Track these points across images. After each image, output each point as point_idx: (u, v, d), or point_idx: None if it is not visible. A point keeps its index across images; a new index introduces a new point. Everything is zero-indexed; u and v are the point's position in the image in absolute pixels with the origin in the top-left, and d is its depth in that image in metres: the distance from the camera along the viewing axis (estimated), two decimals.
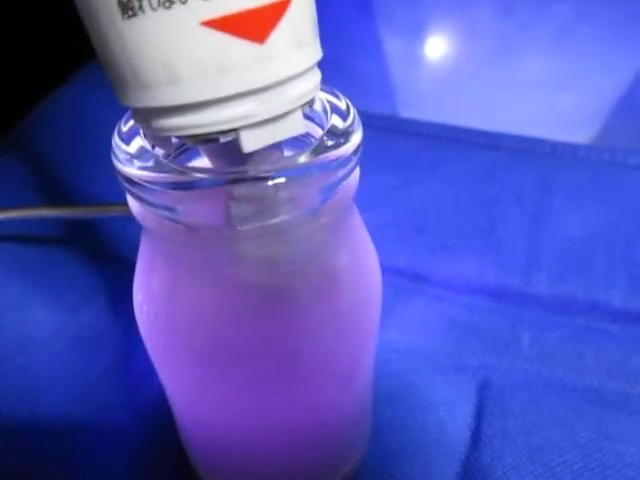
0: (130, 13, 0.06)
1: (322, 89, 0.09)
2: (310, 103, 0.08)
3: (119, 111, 0.09)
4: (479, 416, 0.16)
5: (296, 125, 0.08)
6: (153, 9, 0.06)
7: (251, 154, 0.08)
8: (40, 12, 0.29)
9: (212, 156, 0.09)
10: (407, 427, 0.16)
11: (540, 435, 0.16)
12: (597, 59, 0.28)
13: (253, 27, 0.07)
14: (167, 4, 0.06)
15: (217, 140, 0.07)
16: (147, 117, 0.07)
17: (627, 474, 0.15)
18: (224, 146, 0.08)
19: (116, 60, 0.07)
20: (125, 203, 0.09)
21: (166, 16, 0.06)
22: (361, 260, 0.11)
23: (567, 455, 0.15)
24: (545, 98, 0.28)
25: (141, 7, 0.06)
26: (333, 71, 0.08)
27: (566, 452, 0.15)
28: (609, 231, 0.22)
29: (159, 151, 0.09)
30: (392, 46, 0.30)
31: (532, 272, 0.20)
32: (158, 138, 0.08)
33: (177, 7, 0.06)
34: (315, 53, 0.08)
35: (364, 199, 0.12)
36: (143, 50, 0.06)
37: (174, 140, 0.09)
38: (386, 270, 0.12)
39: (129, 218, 0.09)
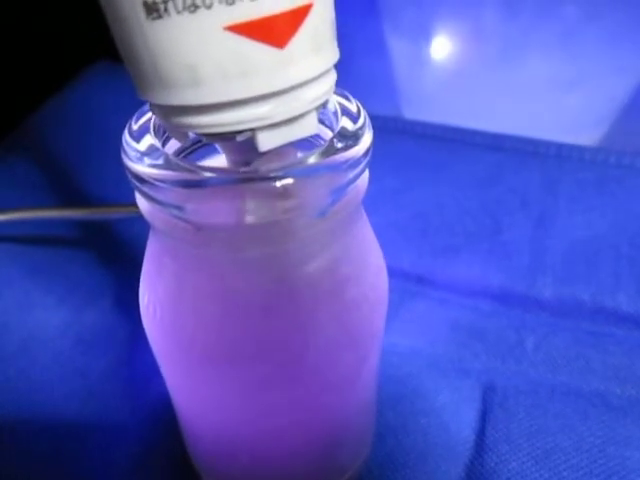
0: (155, 15, 0.06)
1: (333, 91, 0.09)
2: (325, 104, 0.08)
3: (127, 110, 0.09)
4: (483, 420, 0.16)
5: (310, 126, 0.08)
6: (178, 12, 0.06)
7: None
8: (49, 11, 0.29)
9: (227, 151, 0.09)
10: (411, 431, 0.16)
11: (545, 440, 0.16)
12: (603, 61, 0.28)
13: (274, 32, 0.07)
14: (192, 8, 0.06)
15: (234, 138, 0.08)
16: (166, 113, 0.08)
17: (633, 479, 0.15)
18: (240, 143, 0.08)
19: (139, 58, 0.07)
20: (130, 204, 0.09)
21: (190, 20, 0.06)
22: (368, 261, 0.11)
23: (572, 460, 0.15)
24: (551, 100, 0.28)
25: (166, 10, 0.06)
26: (337, 71, 0.08)
27: (571, 457, 0.15)
28: (615, 234, 0.22)
29: (169, 149, 0.09)
30: (397, 47, 0.30)
31: (537, 275, 0.20)
32: (175, 131, 0.08)
33: (202, 11, 0.06)
34: (332, 56, 0.08)
35: (368, 201, 0.11)
36: (167, 51, 0.07)
37: (190, 135, 0.09)
38: (390, 272, 0.12)
39: (134, 219, 0.09)
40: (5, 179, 0.25)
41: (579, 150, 0.25)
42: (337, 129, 0.09)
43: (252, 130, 0.07)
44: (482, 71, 0.29)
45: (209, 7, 0.06)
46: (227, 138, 0.08)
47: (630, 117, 0.28)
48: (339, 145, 0.08)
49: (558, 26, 0.29)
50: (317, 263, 0.10)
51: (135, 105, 0.09)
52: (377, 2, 0.30)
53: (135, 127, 0.09)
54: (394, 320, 0.19)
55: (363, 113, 0.09)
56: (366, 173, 0.09)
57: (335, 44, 0.08)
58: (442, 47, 0.30)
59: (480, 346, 0.18)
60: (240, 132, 0.07)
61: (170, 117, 0.08)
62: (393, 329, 0.19)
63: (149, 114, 0.09)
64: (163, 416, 0.16)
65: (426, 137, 0.26)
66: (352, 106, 0.09)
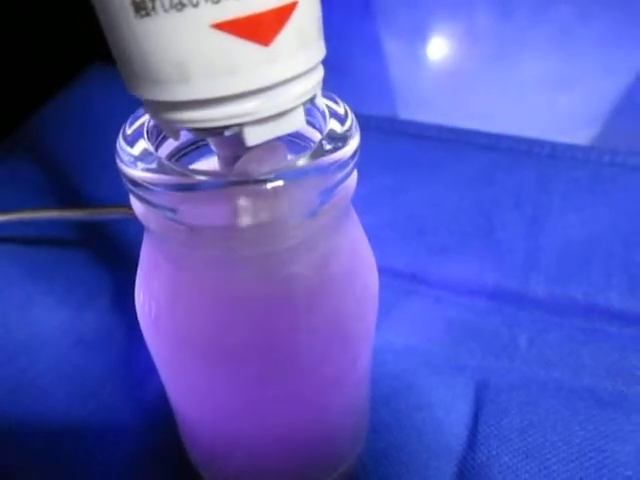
0: (143, 13, 0.06)
1: (321, 94, 0.10)
2: (312, 99, 0.08)
3: (126, 112, 0.09)
4: (476, 416, 0.17)
5: (297, 121, 0.08)
6: (165, 10, 0.06)
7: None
8: (46, 13, 0.30)
9: (217, 145, 0.09)
10: (404, 427, 0.16)
11: (536, 434, 0.16)
12: (597, 60, 0.28)
13: (260, 30, 0.07)
14: (179, 6, 0.06)
15: (222, 133, 0.08)
16: (157, 108, 0.08)
17: (622, 473, 0.15)
18: (229, 137, 0.08)
19: (129, 56, 0.07)
20: (129, 205, 0.09)
21: (178, 18, 0.06)
22: (358, 260, 0.11)
23: (563, 454, 0.16)
24: (545, 99, 0.28)
25: (154, 8, 0.06)
26: (333, 72, 0.09)
27: (562, 451, 0.16)
28: (608, 233, 0.22)
29: (162, 152, 0.09)
30: (392, 47, 0.30)
31: (531, 273, 0.21)
32: (166, 127, 0.08)
33: (188, 9, 0.06)
34: (319, 52, 0.08)
35: (363, 200, 0.12)
36: (155, 48, 0.07)
37: (182, 132, 0.09)
38: (385, 271, 0.12)
39: (132, 219, 0.10)
40: (5, 180, 0.25)
41: (573, 149, 0.25)
42: (325, 131, 0.09)
43: (240, 125, 0.08)
44: (477, 71, 0.29)
45: (195, 5, 0.06)
46: (216, 133, 0.08)
47: (623, 116, 0.28)
48: (328, 147, 0.09)
49: (552, 26, 0.29)
50: (308, 263, 0.10)
51: (134, 107, 0.09)
52: (372, 3, 0.30)
53: (129, 132, 0.09)
54: (389, 318, 0.19)
55: (350, 115, 0.09)
56: (355, 174, 0.10)
57: (322, 41, 0.08)
58: (437, 48, 0.30)
59: (474, 343, 0.19)
60: (228, 127, 0.08)
61: (160, 112, 0.08)
62: (388, 327, 0.19)
63: (142, 119, 0.09)
64: (162, 415, 0.16)
65: (421, 137, 0.26)
66: (340, 108, 0.09)
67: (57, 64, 0.30)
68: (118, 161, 0.09)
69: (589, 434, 0.16)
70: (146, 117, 0.09)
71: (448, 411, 0.17)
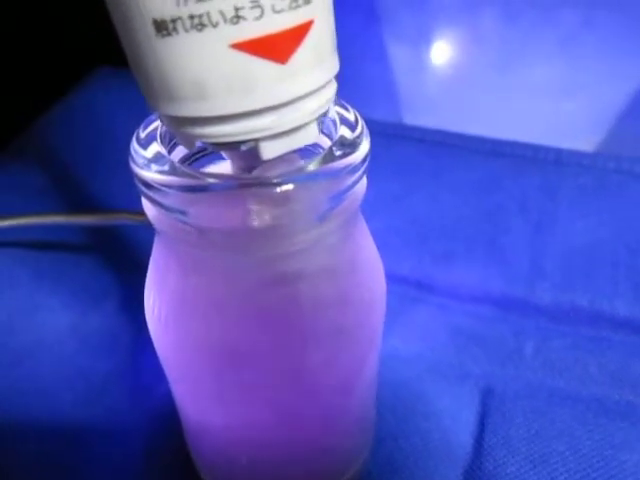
0: (164, 33, 0.07)
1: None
2: (326, 113, 0.08)
3: (131, 115, 0.10)
4: (482, 424, 0.16)
5: (311, 135, 0.08)
6: (186, 30, 0.07)
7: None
8: (48, 16, 0.30)
9: (233, 158, 0.09)
10: (410, 434, 0.16)
11: (543, 444, 0.16)
12: (603, 66, 0.28)
13: (277, 49, 0.07)
14: (199, 27, 0.07)
15: (238, 147, 0.08)
16: (174, 122, 0.08)
17: None
18: (245, 151, 0.08)
19: (148, 72, 0.07)
20: (136, 211, 0.09)
21: (198, 38, 0.07)
22: (365, 265, 0.11)
23: (570, 464, 0.15)
24: (550, 105, 0.28)
25: (175, 28, 0.07)
26: (338, 77, 0.09)
27: (569, 461, 0.15)
28: (614, 239, 0.22)
29: (175, 157, 0.10)
30: (397, 53, 0.31)
31: (536, 281, 0.20)
32: (182, 139, 0.08)
33: (208, 30, 0.07)
34: (333, 68, 0.08)
35: (367, 206, 0.12)
36: (175, 67, 0.07)
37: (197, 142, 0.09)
38: (390, 278, 0.12)
39: (138, 225, 0.10)
40: (11, 185, 0.26)
41: (578, 155, 0.25)
42: (336, 138, 0.09)
43: (255, 140, 0.08)
44: (482, 76, 0.29)
45: (215, 26, 0.07)
46: (232, 147, 0.08)
47: (629, 122, 0.28)
48: (338, 153, 0.09)
49: (557, 32, 0.29)
50: (316, 266, 0.10)
51: (139, 110, 0.09)
52: (377, 8, 0.30)
53: (142, 135, 0.09)
54: (394, 325, 0.19)
55: (361, 122, 0.09)
56: (364, 179, 0.10)
57: (336, 55, 0.08)
58: (442, 53, 0.30)
59: (479, 351, 0.19)
60: (244, 142, 0.08)
61: (177, 126, 0.08)
62: (393, 334, 0.19)
63: (156, 123, 0.09)
64: (167, 419, 0.16)
65: (426, 143, 0.26)
66: (350, 115, 0.09)
67: (62, 67, 0.31)
68: (131, 163, 0.09)
69: (596, 444, 0.16)
70: (159, 122, 0.09)
71: (454, 419, 0.17)
